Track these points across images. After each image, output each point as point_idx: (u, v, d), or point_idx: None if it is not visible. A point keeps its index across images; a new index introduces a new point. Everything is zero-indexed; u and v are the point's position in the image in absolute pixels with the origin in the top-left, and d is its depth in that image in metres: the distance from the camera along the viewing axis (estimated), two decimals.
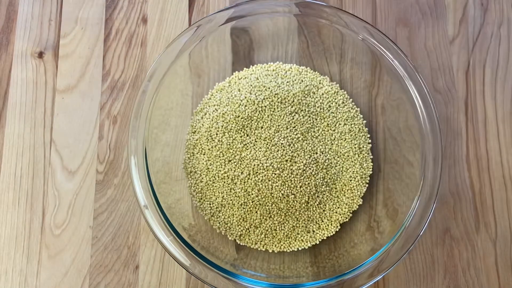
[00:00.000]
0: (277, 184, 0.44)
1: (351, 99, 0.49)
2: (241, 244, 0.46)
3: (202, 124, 0.48)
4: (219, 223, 0.46)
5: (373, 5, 0.53)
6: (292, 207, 0.45)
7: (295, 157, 0.45)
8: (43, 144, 0.50)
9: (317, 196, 0.45)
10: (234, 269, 0.41)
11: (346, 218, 0.46)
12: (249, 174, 0.45)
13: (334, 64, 0.50)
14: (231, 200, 0.45)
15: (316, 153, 0.46)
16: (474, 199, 0.48)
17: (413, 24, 0.53)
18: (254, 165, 0.45)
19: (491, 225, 0.48)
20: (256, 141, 0.46)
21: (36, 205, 0.48)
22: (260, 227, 0.46)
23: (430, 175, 0.41)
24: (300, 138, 0.46)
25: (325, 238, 0.46)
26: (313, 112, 0.47)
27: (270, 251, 0.46)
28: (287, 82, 0.48)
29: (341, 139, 0.47)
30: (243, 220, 0.46)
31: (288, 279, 0.43)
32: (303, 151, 0.45)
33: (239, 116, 0.46)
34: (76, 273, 0.46)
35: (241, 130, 0.46)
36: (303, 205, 0.45)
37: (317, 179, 0.45)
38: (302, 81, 0.48)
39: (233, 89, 0.48)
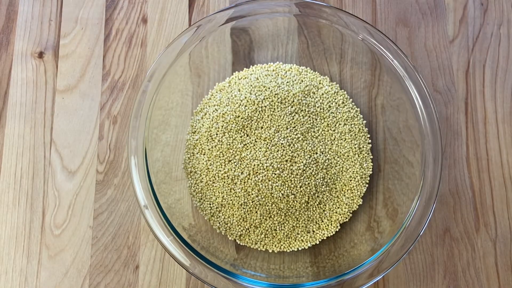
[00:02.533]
0: (277, 184, 0.44)
1: (351, 99, 0.49)
2: (241, 244, 0.46)
3: (202, 124, 0.48)
4: (219, 223, 0.46)
5: (373, 5, 0.53)
6: (292, 207, 0.45)
7: (295, 157, 0.45)
8: (43, 144, 0.50)
9: (317, 196, 0.45)
10: (234, 269, 0.41)
11: (346, 218, 0.46)
12: (249, 174, 0.45)
13: (334, 64, 0.50)
14: (231, 200, 0.45)
15: (316, 153, 0.46)
16: (474, 199, 0.48)
17: (413, 24, 0.53)
18: (254, 165, 0.45)
19: (491, 225, 0.48)
20: (256, 141, 0.46)
21: (36, 205, 0.48)
22: (260, 227, 0.46)
23: (430, 175, 0.41)
24: (300, 138, 0.46)
25: (325, 238, 0.46)
26: (313, 112, 0.47)
27: (270, 251, 0.46)
28: (287, 82, 0.48)
29: (341, 139, 0.47)
30: (243, 220, 0.46)
31: (288, 279, 0.43)
32: (303, 151, 0.45)
33: (239, 116, 0.46)
34: (76, 273, 0.46)
35: (241, 130, 0.46)
36: (303, 205, 0.45)
37: (317, 179, 0.45)
38: (302, 81, 0.48)
39: (233, 89, 0.48)
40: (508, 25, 0.53)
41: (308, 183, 0.45)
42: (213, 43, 0.47)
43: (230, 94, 0.48)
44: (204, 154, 0.47)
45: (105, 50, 0.52)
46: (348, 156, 0.47)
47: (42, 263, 0.47)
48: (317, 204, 0.46)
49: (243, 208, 0.45)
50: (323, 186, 0.45)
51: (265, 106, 0.46)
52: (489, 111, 0.51)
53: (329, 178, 0.46)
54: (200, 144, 0.47)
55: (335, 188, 0.46)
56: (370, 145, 0.48)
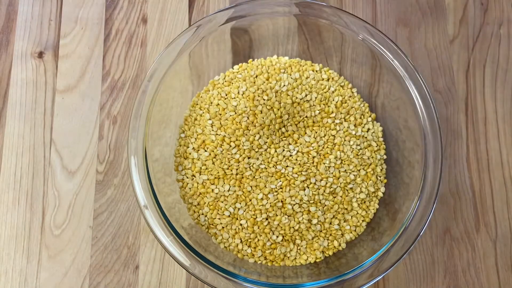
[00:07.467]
0: None
1: None
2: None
3: None
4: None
5: (373, 5, 0.53)
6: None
7: None
8: (43, 144, 0.49)
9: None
10: (234, 269, 0.41)
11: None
12: None
13: (334, 64, 0.50)
14: None
15: None
16: (474, 199, 0.48)
17: (413, 24, 0.53)
18: None
19: (491, 225, 0.48)
20: None
21: (36, 205, 0.48)
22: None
23: (430, 175, 0.41)
24: None
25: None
26: None
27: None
28: None
29: None
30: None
31: (288, 279, 0.43)
32: None
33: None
34: (76, 273, 0.46)
35: None
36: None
37: None
38: None
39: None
40: (508, 25, 0.53)
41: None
42: (213, 43, 0.47)
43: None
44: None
45: (105, 50, 0.52)
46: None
47: (42, 263, 0.47)
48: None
49: None
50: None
51: None
52: (489, 111, 0.51)
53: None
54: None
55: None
56: None
